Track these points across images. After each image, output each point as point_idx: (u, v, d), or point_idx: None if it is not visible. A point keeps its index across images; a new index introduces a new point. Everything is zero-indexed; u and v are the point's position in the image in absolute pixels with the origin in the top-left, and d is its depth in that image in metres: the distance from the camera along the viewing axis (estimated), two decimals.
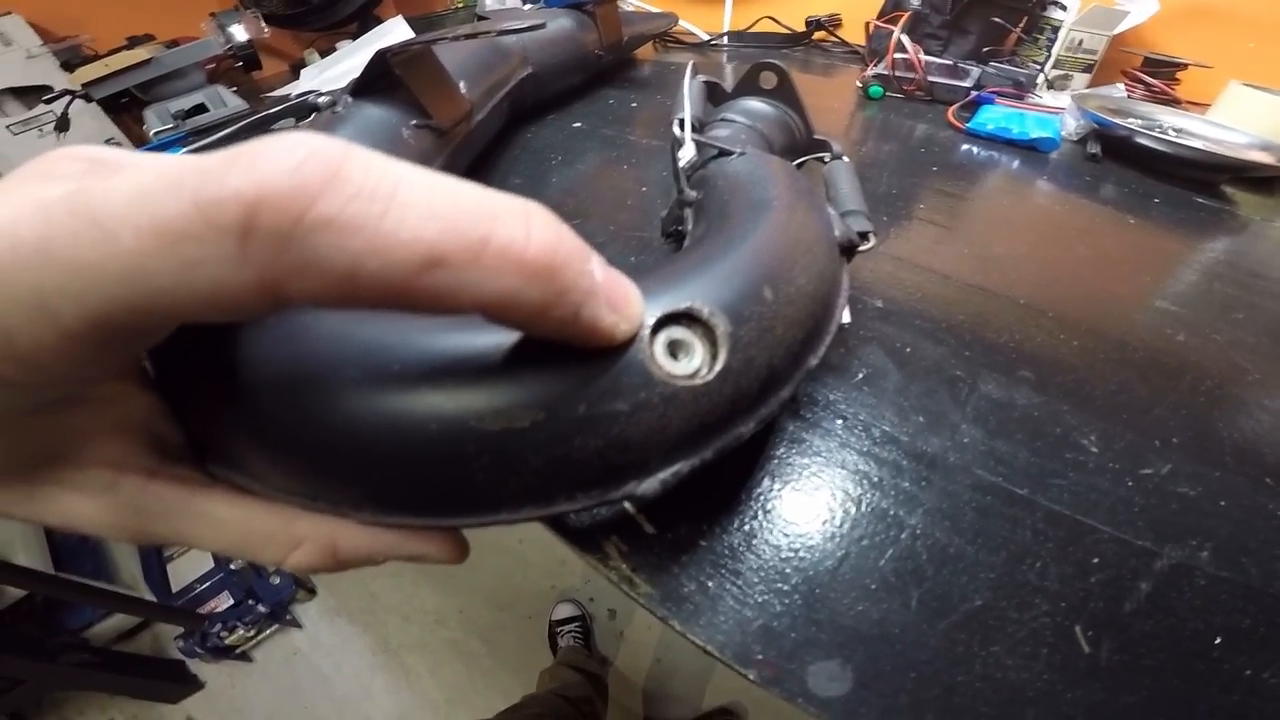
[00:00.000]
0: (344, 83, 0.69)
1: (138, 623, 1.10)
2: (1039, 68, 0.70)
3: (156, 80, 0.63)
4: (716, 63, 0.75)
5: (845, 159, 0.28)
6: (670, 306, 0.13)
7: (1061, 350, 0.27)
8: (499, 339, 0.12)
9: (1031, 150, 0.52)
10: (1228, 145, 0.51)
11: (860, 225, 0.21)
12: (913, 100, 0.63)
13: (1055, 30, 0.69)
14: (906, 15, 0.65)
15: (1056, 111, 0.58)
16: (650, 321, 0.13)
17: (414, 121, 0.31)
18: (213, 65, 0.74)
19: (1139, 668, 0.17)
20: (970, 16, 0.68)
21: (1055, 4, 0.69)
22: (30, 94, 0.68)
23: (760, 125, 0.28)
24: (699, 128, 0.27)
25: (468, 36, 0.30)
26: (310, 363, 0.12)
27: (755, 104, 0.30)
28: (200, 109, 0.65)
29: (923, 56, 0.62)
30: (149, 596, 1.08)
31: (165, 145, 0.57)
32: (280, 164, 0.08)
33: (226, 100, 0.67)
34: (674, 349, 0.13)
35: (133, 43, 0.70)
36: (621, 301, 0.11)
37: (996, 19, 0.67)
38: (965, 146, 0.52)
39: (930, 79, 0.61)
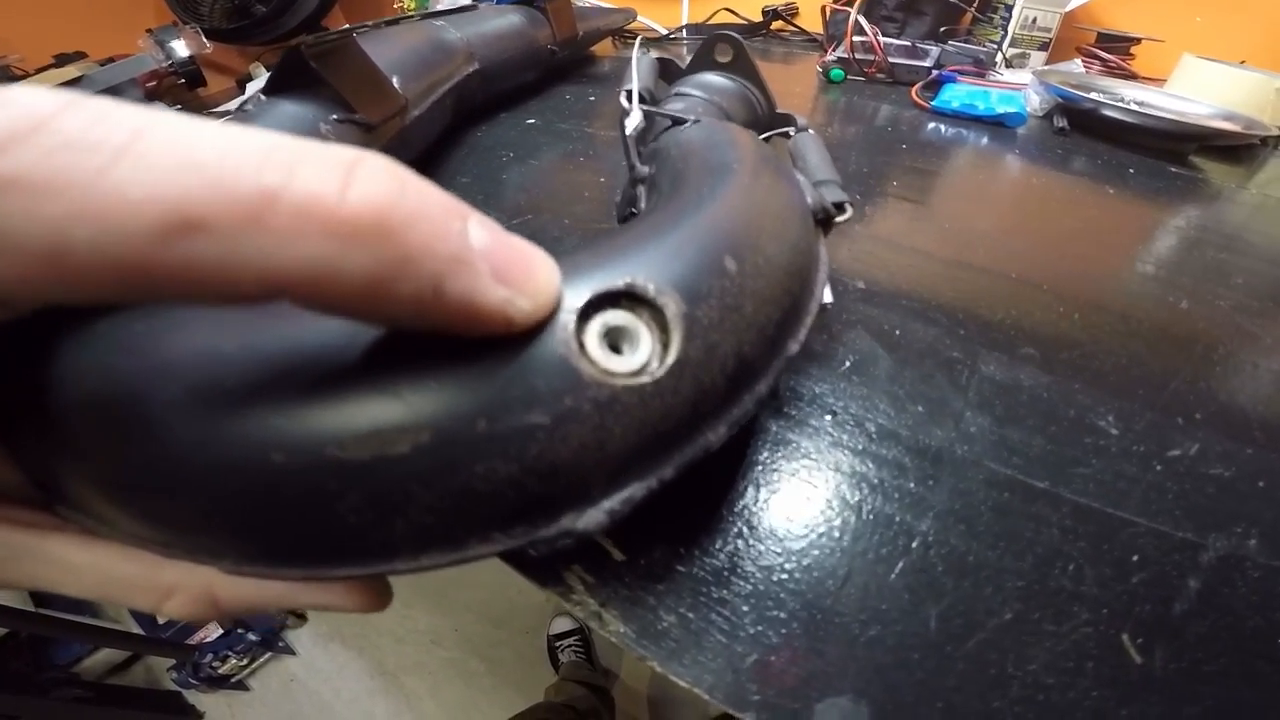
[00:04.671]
0: None
1: (128, 656, 1.05)
2: (996, 46, 0.69)
3: None
4: (676, 54, 0.72)
5: (811, 131, 0.25)
6: (605, 284, 0.10)
7: (1063, 325, 0.24)
8: (361, 332, 0.09)
9: (999, 126, 0.50)
10: (1194, 115, 0.50)
11: (835, 195, 0.18)
12: (874, 82, 0.61)
13: (1009, 9, 0.68)
14: None
15: (1019, 88, 0.56)
16: (579, 303, 0.09)
17: (335, 116, 0.27)
18: (154, 83, 0.69)
19: (1199, 675, 0.14)
20: None
21: None
22: None
23: (718, 99, 0.25)
24: (650, 100, 0.24)
25: (389, 23, 0.27)
26: (126, 379, 0.09)
27: (712, 77, 0.27)
28: None
29: (881, 38, 0.60)
30: (136, 629, 1.03)
31: None
32: None
33: None
34: (613, 339, 0.10)
35: (61, 61, 0.66)
36: (519, 272, 0.08)
37: None
38: (932, 125, 0.49)
39: (890, 60, 0.59)
